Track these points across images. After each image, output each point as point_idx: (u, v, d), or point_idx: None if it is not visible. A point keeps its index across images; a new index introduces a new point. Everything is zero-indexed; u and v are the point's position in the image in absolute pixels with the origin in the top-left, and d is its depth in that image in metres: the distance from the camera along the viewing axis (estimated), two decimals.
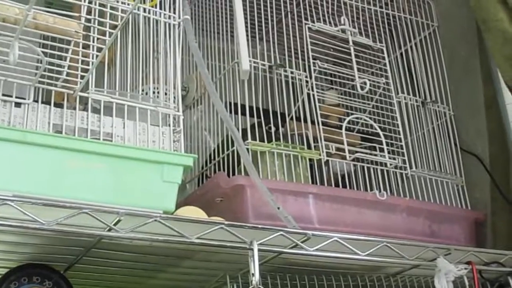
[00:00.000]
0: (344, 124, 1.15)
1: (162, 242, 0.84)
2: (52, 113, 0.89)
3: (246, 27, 1.08)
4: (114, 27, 0.88)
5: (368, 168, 1.16)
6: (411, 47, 1.34)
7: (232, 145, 1.06)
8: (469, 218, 1.24)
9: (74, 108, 0.90)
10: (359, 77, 1.19)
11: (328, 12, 1.25)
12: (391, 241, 0.96)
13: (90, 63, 0.88)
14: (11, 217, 0.75)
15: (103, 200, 0.83)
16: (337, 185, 1.19)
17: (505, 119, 1.22)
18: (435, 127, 1.29)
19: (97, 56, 0.87)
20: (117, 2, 0.92)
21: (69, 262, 0.94)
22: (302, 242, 0.89)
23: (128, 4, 0.92)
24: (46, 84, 0.88)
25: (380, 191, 1.13)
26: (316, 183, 1.10)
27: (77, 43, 0.87)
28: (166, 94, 1.01)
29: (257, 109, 1.15)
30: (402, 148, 1.20)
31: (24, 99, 0.87)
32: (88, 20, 0.89)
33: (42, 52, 0.81)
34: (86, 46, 0.88)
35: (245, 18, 1.09)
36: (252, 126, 1.12)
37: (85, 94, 0.89)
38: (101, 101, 0.91)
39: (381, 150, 1.17)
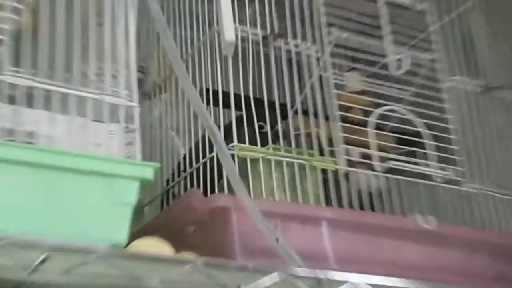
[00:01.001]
0: (372, 120, 1.16)
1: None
2: None
3: None
4: None
5: (407, 183, 1.17)
6: (469, 7, 1.35)
7: (211, 150, 1.06)
8: None
9: None
10: (393, 53, 1.20)
11: None
12: (442, 286, 0.97)
13: (4, 31, 0.88)
14: None
15: (27, 229, 0.83)
16: (362, 207, 1.20)
17: None
18: (503, 123, 1.30)
19: (13, 21, 0.87)
20: None
21: None
22: None
23: None
24: None
25: (425, 216, 1.13)
26: (332, 205, 1.11)
27: None
28: (114, 77, 1.01)
29: (246, 98, 1.15)
30: (455, 154, 1.21)
31: None
32: None
33: None
34: None
35: None
36: (239, 121, 1.12)
37: None
38: (19, 86, 0.91)
39: (425, 156, 1.17)
